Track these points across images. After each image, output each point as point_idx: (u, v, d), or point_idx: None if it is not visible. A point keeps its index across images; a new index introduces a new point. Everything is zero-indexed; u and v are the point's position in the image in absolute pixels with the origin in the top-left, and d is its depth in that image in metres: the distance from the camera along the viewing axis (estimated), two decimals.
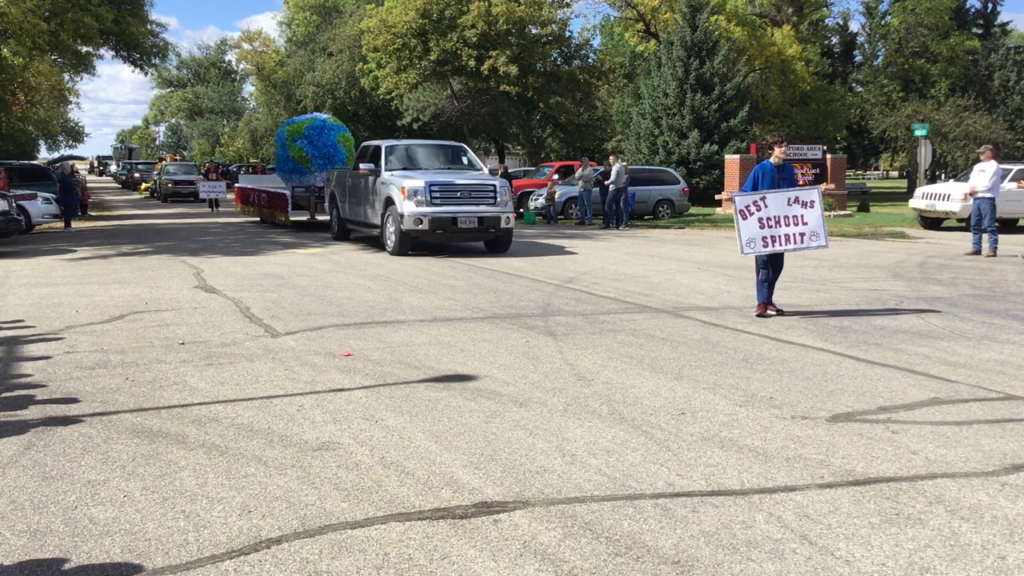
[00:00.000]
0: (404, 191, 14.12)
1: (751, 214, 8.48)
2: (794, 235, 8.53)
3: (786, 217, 8.50)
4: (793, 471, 4.26)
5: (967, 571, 3.25)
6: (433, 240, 14.77)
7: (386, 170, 15.17)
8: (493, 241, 15.11)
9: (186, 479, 4.16)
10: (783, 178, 8.78)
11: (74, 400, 5.55)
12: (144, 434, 4.85)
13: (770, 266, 8.66)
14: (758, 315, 8.62)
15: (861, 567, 3.26)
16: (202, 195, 31.44)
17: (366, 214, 16.03)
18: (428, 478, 4.17)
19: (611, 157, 23.12)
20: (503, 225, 14.61)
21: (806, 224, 8.53)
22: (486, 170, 16.26)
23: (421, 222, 13.98)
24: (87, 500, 3.91)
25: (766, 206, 8.48)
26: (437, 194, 14.12)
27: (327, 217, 19.21)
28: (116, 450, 4.58)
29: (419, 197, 14.01)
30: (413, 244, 14.54)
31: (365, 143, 17.29)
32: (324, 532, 3.56)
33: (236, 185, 27.70)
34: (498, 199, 14.56)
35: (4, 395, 5.72)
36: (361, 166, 15.61)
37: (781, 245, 8.54)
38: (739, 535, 3.53)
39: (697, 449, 4.59)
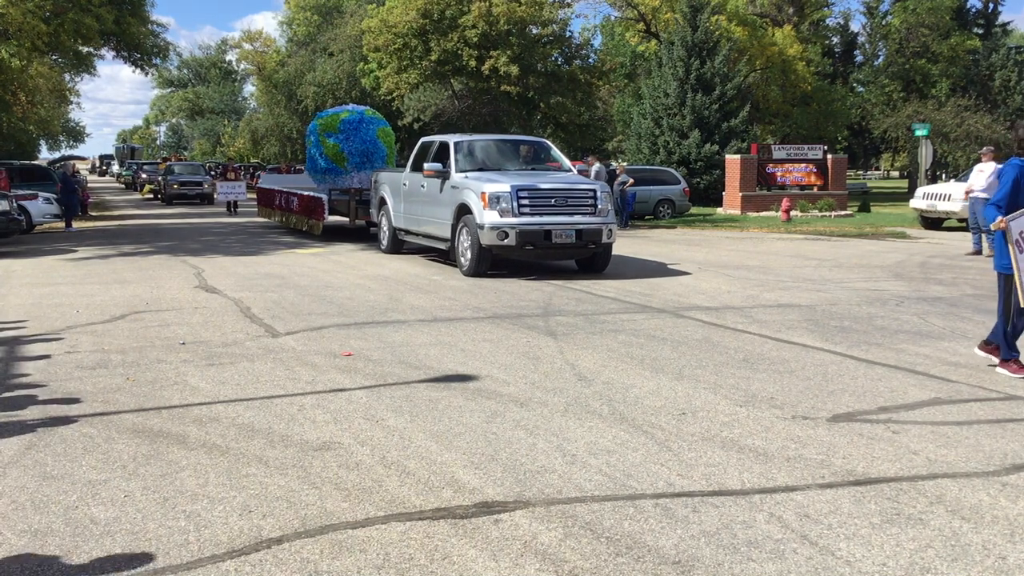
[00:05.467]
0: (484, 197, 11.50)
1: None
2: None
3: None
4: (794, 471, 4.26)
5: (968, 571, 3.24)
6: (519, 257, 12.24)
7: (457, 171, 12.53)
8: (591, 259, 12.34)
9: (187, 479, 4.16)
10: None
11: (75, 400, 5.55)
12: (145, 434, 4.86)
13: None
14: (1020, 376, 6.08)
15: (862, 567, 3.26)
16: (219, 197, 29.37)
17: (430, 224, 13.39)
18: (429, 478, 4.17)
19: (589, 157, 22.57)
20: (604, 239, 11.86)
21: None
22: (575, 171, 13.68)
23: (506, 236, 11.36)
24: (88, 500, 3.91)
25: None
26: (525, 201, 11.47)
27: (362, 222, 17.40)
28: (117, 450, 4.59)
29: (503, 205, 11.39)
30: (492, 262, 11.94)
31: (425, 139, 14.79)
32: (325, 532, 3.57)
33: (257, 186, 25.09)
34: (598, 207, 11.82)
35: (5, 395, 5.72)
36: (425, 166, 12.98)
37: None
38: (740, 535, 3.53)
39: (698, 449, 4.59)
